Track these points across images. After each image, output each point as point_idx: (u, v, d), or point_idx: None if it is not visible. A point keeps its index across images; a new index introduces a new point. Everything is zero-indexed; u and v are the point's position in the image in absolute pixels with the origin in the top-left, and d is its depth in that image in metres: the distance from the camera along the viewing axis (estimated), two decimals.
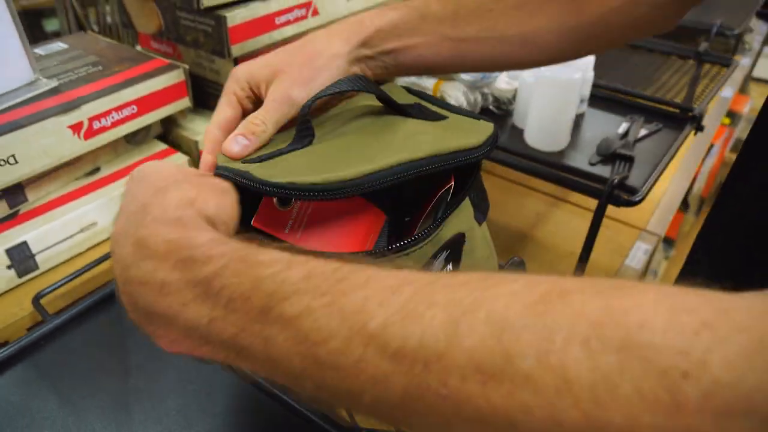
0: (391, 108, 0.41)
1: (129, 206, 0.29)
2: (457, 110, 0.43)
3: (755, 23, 1.40)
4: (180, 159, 0.64)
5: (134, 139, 0.65)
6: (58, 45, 0.68)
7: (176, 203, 0.28)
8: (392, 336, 0.20)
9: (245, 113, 0.41)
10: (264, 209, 0.35)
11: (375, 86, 0.39)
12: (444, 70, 0.47)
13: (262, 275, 0.24)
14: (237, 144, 0.37)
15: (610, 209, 0.65)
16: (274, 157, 0.35)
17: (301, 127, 0.37)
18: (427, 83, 0.77)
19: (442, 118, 0.41)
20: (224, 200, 0.30)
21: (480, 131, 0.39)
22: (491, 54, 0.45)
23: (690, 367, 0.16)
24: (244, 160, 0.36)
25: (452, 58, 0.45)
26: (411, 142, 0.35)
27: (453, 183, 0.38)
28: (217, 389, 0.42)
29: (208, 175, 0.33)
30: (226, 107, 0.41)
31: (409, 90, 0.46)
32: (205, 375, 0.43)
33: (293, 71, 0.41)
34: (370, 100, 0.43)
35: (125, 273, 0.27)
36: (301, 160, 0.34)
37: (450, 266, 0.38)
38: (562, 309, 0.19)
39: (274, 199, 0.35)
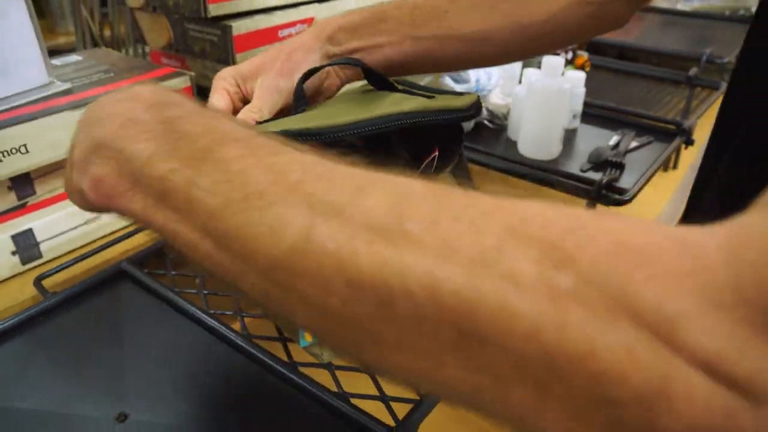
0: (382, 84, 0.43)
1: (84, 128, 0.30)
2: (444, 92, 0.45)
3: None
4: None
5: None
6: (73, 57, 0.72)
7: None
8: (305, 190, 0.21)
9: (235, 111, 0.45)
10: None
11: (363, 63, 0.42)
12: (409, 69, 0.50)
13: (218, 126, 0.25)
14: None
15: None
16: (272, 120, 0.38)
17: (296, 97, 0.40)
18: None
19: (430, 96, 0.44)
20: None
21: (464, 99, 0.41)
22: (452, 52, 0.48)
23: (562, 259, 0.17)
24: None
25: (415, 56, 0.48)
26: (399, 105, 0.38)
27: (437, 153, 0.40)
28: (208, 361, 0.43)
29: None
30: (219, 101, 0.44)
31: (399, 81, 0.49)
32: (197, 349, 0.44)
33: (276, 65, 0.45)
34: (361, 90, 0.46)
35: (99, 109, 0.29)
36: (296, 119, 0.37)
37: None
38: (461, 198, 0.20)
39: None
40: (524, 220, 0.18)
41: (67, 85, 0.61)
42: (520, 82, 0.86)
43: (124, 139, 0.26)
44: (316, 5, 0.73)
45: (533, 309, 0.16)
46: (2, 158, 0.51)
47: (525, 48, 0.50)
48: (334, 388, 0.39)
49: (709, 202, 0.47)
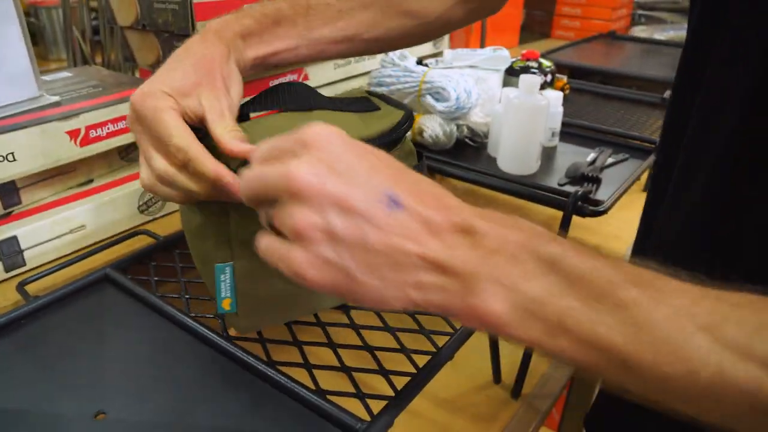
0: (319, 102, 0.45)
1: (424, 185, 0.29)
2: (393, 103, 0.47)
3: None
4: None
5: (128, 156, 0.69)
6: (64, 74, 0.74)
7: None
8: (709, 335, 0.24)
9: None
10: None
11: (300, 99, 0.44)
12: (306, 64, 0.52)
13: (597, 266, 0.27)
14: (242, 145, 0.39)
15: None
16: None
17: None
18: None
19: (376, 108, 0.46)
20: None
21: (393, 117, 0.43)
22: (345, 51, 0.52)
23: None
24: None
25: (309, 57, 0.50)
26: None
27: None
28: (188, 361, 0.43)
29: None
30: (177, 121, 0.39)
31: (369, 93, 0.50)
32: (178, 350, 0.44)
33: (211, 83, 0.42)
34: None
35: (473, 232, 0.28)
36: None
37: None
38: None
39: None
40: None
41: (56, 98, 0.62)
42: (500, 101, 0.89)
43: (513, 276, 0.27)
44: None
45: None
46: None
47: (411, 42, 0.55)
48: (311, 386, 0.40)
49: (660, 220, 0.49)
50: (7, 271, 0.55)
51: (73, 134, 0.59)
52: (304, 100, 0.45)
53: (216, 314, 0.45)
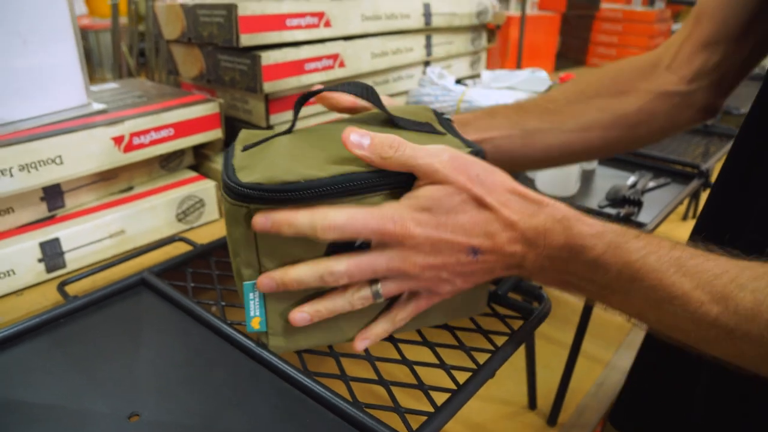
0: (387, 119, 0.44)
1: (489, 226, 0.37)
2: (459, 137, 0.45)
3: None
4: (209, 183, 0.69)
5: (168, 165, 0.70)
6: (110, 85, 0.76)
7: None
8: (722, 303, 0.32)
9: None
10: None
11: (375, 99, 0.43)
12: (516, 160, 0.54)
13: (629, 260, 0.35)
14: None
15: None
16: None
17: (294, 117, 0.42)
18: None
19: (440, 134, 0.44)
20: None
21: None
22: (557, 142, 0.54)
23: None
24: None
25: (523, 147, 0.53)
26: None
27: None
28: (223, 367, 0.42)
29: None
30: None
31: (436, 113, 0.50)
32: (213, 355, 0.44)
33: None
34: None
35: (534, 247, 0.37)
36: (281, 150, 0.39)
37: None
38: None
39: None
40: None
41: (102, 106, 0.64)
42: None
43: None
44: (342, 42, 0.77)
45: None
46: (38, 167, 0.54)
47: (623, 138, 0.55)
48: (349, 398, 0.39)
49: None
50: (48, 272, 0.56)
51: (118, 140, 0.60)
52: (378, 104, 0.44)
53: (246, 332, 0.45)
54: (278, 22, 0.67)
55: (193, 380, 0.41)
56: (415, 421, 0.36)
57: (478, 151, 0.42)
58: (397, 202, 0.37)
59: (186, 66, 0.77)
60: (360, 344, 0.41)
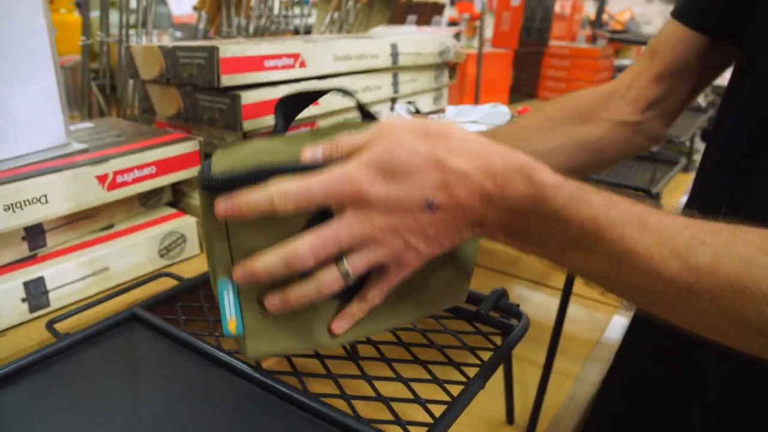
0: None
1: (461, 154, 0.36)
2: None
3: (701, 144, 1.58)
4: (190, 219, 0.70)
5: (148, 202, 0.71)
6: (86, 124, 0.76)
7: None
8: (681, 258, 0.32)
9: None
10: None
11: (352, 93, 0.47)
12: None
13: (592, 213, 0.34)
14: None
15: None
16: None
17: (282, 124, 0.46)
18: None
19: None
20: None
21: None
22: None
23: None
24: None
25: None
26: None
27: None
28: (224, 395, 0.43)
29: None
30: None
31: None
32: (210, 383, 0.45)
33: None
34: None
35: (491, 199, 0.36)
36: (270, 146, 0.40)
37: None
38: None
39: None
40: None
41: (84, 146, 0.64)
42: None
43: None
44: (315, 81, 0.80)
45: None
46: (23, 207, 0.54)
47: (586, 162, 0.60)
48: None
49: None
50: (31, 311, 0.55)
51: (102, 179, 0.61)
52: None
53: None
54: (257, 63, 0.70)
55: (196, 412, 0.42)
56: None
57: None
58: (348, 162, 0.36)
59: (162, 105, 0.78)
60: (337, 325, 0.41)
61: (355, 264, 0.37)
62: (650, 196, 0.87)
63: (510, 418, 0.62)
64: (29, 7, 0.58)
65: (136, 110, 0.92)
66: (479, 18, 1.49)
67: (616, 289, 0.36)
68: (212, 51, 0.66)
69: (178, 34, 2.03)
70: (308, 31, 1.34)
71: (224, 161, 0.38)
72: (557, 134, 0.59)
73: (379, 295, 0.41)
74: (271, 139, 0.43)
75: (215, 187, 0.36)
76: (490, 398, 0.58)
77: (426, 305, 0.46)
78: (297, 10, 1.27)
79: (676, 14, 0.58)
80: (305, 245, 0.36)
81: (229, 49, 0.67)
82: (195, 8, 1.03)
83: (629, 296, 0.36)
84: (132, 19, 0.94)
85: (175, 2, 2.15)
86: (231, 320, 0.40)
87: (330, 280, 0.37)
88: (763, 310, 0.29)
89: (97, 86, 0.95)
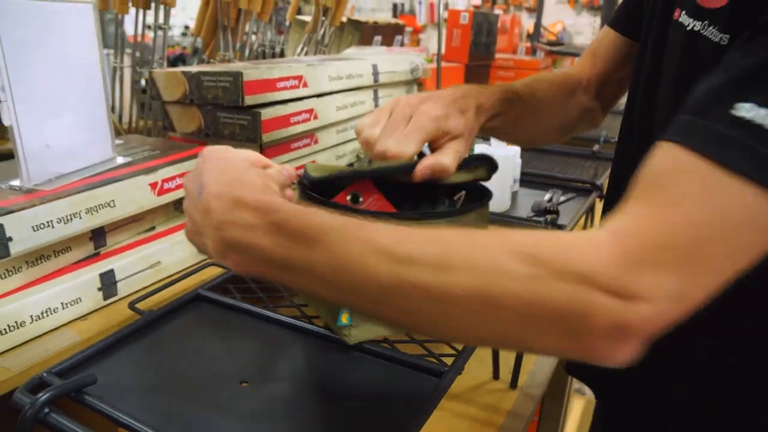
0: None
1: (219, 177, 0.42)
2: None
3: None
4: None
5: (179, 207, 0.82)
6: (117, 141, 0.86)
7: (259, 183, 0.43)
8: (386, 251, 0.35)
9: None
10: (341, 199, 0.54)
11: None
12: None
13: (313, 221, 0.38)
14: None
15: None
16: None
17: None
18: None
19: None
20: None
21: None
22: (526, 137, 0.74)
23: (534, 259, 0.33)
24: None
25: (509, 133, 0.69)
26: None
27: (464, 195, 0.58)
28: (290, 345, 0.56)
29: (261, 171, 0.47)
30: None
31: None
32: (280, 342, 0.57)
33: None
34: None
35: (223, 217, 0.40)
36: None
37: None
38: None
39: (348, 197, 0.55)
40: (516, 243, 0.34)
41: (128, 159, 0.75)
42: None
43: (253, 239, 0.39)
44: (315, 98, 0.93)
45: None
46: (99, 210, 0.64)
47: (556, 136, 0.76)
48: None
49: None
50: (105, 299, 0.66)
51: (153, 186, 0.72)
52: None
53: (336, 327, 0.56)
54: (271, 85, 0.83)
55: (277, 358, 0.54)
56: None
57: None
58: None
59: (182, 123, 0.89)
60: None
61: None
62: (595, 188, 1.04)
63: (496, 375, 0.76)
64: (87, 46, 0.68)
65: (149, 127, 1.02)
66: (437, 28, 1.66)
67: (339, 295, 0.38)
68: (237, 75, 0.78)
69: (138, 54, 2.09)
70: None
71: (315, 170, 0.52)
72: (551, 114, 0.71)
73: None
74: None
75: (310, 182, 0.51)
76: (479, 363, 0.71)
77: None
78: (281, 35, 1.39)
79: (608, 21, 0.73)
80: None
81: (251, 73, 0.79)
82: (192, 33, 1.14)
83: (351, 300, 0.38)
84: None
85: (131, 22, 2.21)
86: (345, 314, 0.53)
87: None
88: (458, 282, 0.33)
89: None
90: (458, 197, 0.58)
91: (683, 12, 0.49)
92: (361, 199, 0.55)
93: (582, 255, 0.32)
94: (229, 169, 0.44)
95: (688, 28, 0.47)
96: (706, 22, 0.45)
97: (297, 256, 0.37)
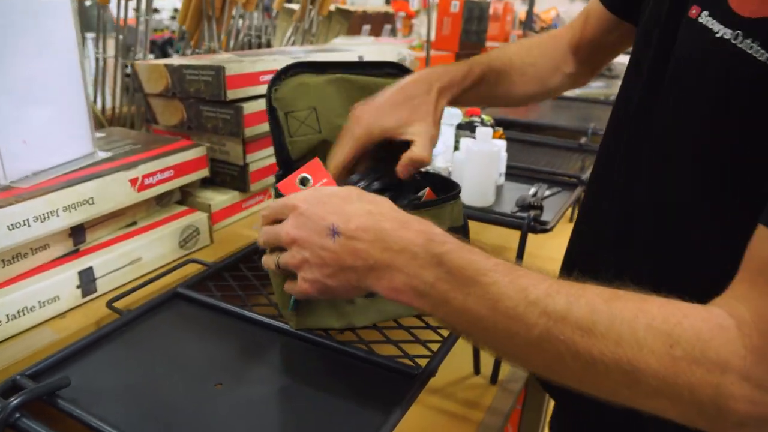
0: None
1: (355, 213, 0.45)
2: None
3: None
4: (201, 214, 0.81)
5: (161, 202, 0.81)
6: (98, 134, 0.85)
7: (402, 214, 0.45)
8: (541, 304, 0.38)
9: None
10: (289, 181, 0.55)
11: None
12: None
13: (472, 259, 0.41)
14: None
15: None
16: None
17: None
18: None
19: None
20: None
21: None
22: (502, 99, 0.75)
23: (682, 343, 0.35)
24: None
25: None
26: None
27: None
28: (268, 344, 0.56)
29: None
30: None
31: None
32: (256, 338, 0.57)
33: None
34: None
35: (383, 240, 0.43)
36: None
37: None
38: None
39: (296, 180, 0.55)
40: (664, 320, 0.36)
41: (109, 154, 0.75)
42: (456, 149, 1.09)
43: (413, 269, 0.42)
44: None
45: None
46: (77, 207, 0.64)
47: (533, 99, 0.77)
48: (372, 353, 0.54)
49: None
50: (83, 296, 0.66)
51: (133, 182, 0.71)
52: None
53: (287, 311, 0.57)
54: (254, 78, 0.82)
55: (253, 358, 0.55)
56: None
57: None
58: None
59: (165, 116, 0.88)
60: (288, 287, 0.51)
61: (284, 259, 0.49)
62: (580, 182, 1.04)
63: (477, 370, 0.77)
64: (66, 42, 0.67)
65: (132, 113, 1.01)
66: (427, 17, 1.64)
67: (488, 337, 0.41)
68: (219, 70, 0.78)
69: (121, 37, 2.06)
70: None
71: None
72: (529, 81, 0.73)
73: (293, 291, 0.50)
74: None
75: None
76: (460, 358, 0.71)
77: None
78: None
79: None
80: (263, 236, 0.50)
81: (233, 67, 0.78)
82: (178, 23, 1.12)
83: (500, 344, 0.41)
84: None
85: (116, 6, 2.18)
86: (292, 300, 0.54)
87: (269, 261, 0.51)
88: (602, 350, 0.35)
89: None
90: (422, 193, 0.60)
91: (704, 12, 0.44)
92: (311, 181, 0.55)
93: (717, 343, 0.34)
94: (346, 202, 0.46)
95: (717, 35, 0.42)
96: (739, 32, 0.41)
97: (456, 294, 0.40)
